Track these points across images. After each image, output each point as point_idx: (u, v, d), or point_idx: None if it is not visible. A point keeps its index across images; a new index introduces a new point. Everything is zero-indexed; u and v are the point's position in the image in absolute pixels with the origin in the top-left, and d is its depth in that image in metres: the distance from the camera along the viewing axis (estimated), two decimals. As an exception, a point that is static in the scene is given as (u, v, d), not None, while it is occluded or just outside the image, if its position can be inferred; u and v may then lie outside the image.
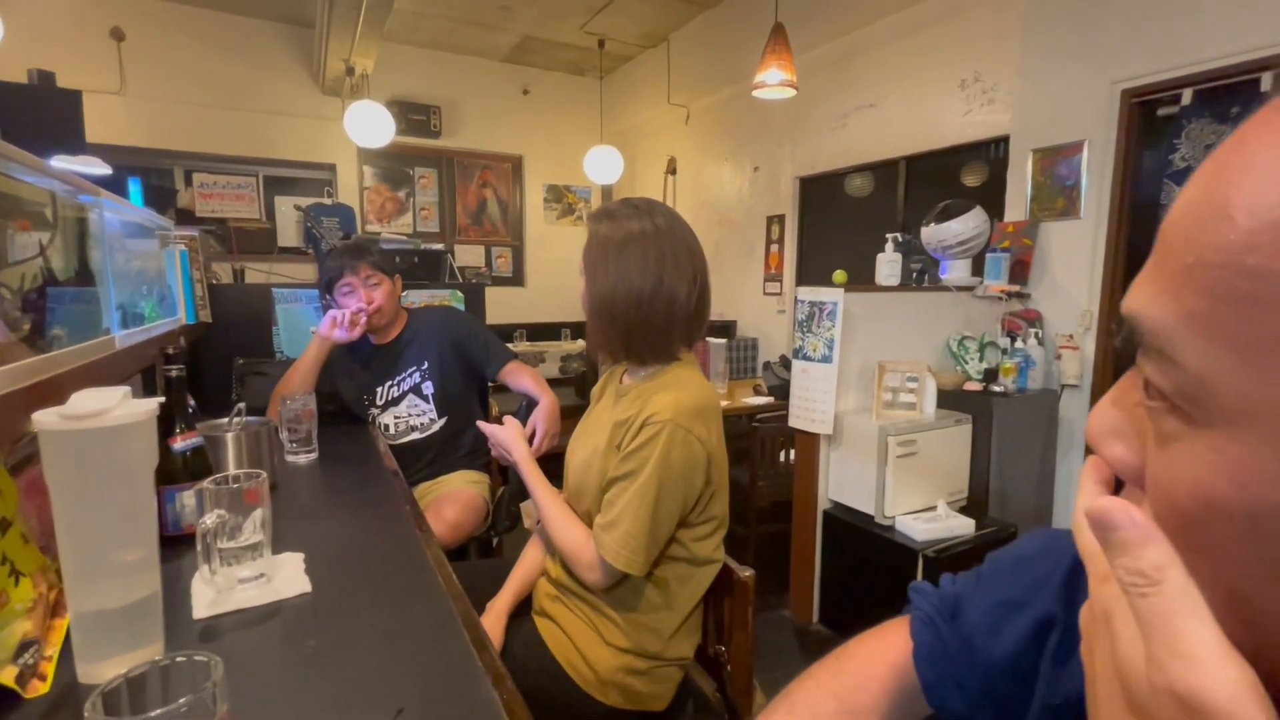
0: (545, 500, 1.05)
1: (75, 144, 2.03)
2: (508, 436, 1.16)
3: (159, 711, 0.39)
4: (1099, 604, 0.25)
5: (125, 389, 0.64)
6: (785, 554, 2.37)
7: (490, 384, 1.98)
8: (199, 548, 0.74)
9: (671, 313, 0.96)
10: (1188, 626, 0.21)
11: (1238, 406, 0.20)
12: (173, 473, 0.94)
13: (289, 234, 4.26)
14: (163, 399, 0.94)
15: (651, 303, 0.95)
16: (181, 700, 0.40)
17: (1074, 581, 0.39)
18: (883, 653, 0.49)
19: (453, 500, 1.64)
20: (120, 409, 0.60)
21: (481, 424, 1.23)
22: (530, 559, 1.13)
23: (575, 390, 2.85)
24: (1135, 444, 0.24)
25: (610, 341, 1.00)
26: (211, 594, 0.77)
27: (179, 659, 0.44)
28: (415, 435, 1.78)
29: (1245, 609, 0.21)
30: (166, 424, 0.96)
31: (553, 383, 1.98)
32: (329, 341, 1.63)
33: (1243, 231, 0.19)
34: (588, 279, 0.99)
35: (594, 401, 1.14)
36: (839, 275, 2.83)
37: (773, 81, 2.77)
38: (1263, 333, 0.19)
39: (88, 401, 0.59)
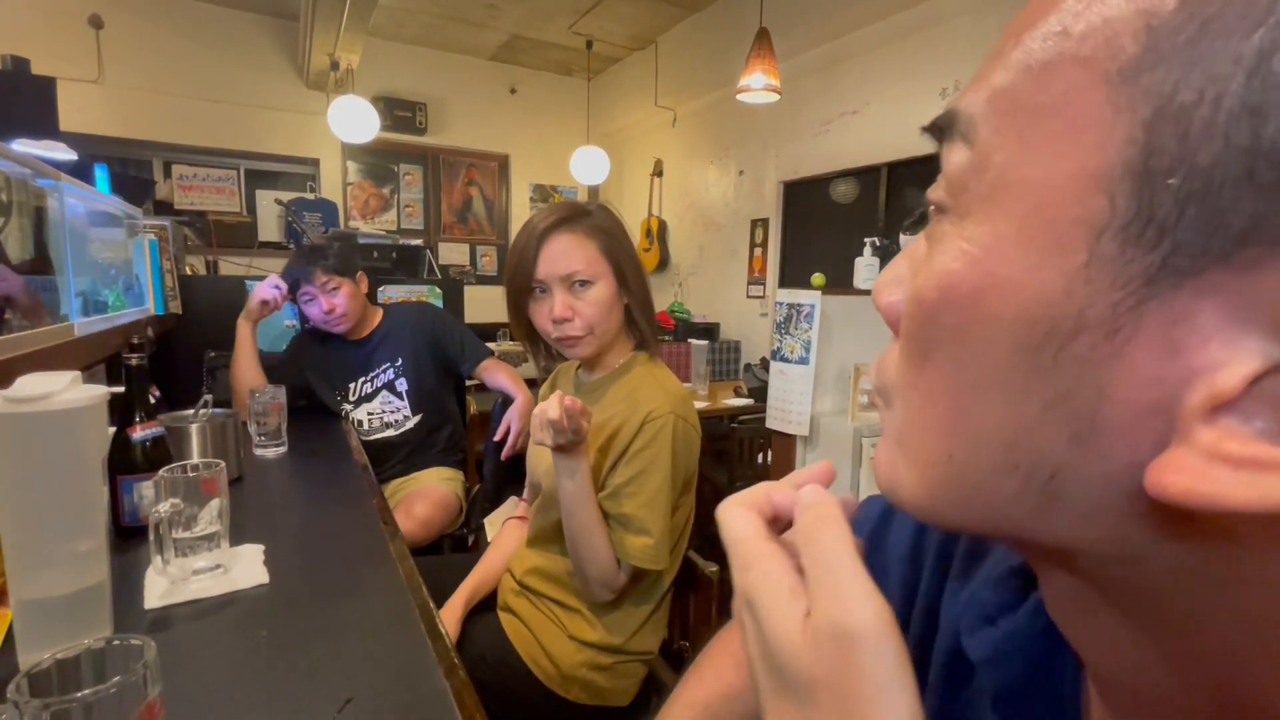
0: (586, 501, 0.91)
1: (47, 131, 2.00)
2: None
3: (86, 692, 0.38)
4: (742, 592, 0.27)
5: (75, 373, 0.63)
6: (761, 555, 2.37)
7: (468, 381, 1.97)
8: (151, 537, 0.73)
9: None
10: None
11: (998, 182, 0.19)
12: (132, 463, 0.93)
13: (270, 229, 4.20)
14: (122, 388, 0.93)
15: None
16: (112, 681, 0.39)
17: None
18: None
19: (424, 497, 1.63)
20: (67, 393, 0.59)
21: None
22: (493, 558, 1.13)
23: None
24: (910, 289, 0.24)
25: (646, 326, 1.01)
26: (165, 584, 0.76)
27: (114, 642, 0.43)
28: (389, 432, 1.77)
29: (965, 423, 0.21)
30: (127, 413, 0.94)
31: (534, 383, 1.97)
32: (250, 319, 1.61)
33: (1067, 4, 0.18)
34: (619, 271, 0.96)
35: (541, 400, 1.13)
36: (817, 278, 2.86)
37: (757, 86, 2.79)
38: (1044, 99, 0.18)
39: (33, 385, 0.58)
